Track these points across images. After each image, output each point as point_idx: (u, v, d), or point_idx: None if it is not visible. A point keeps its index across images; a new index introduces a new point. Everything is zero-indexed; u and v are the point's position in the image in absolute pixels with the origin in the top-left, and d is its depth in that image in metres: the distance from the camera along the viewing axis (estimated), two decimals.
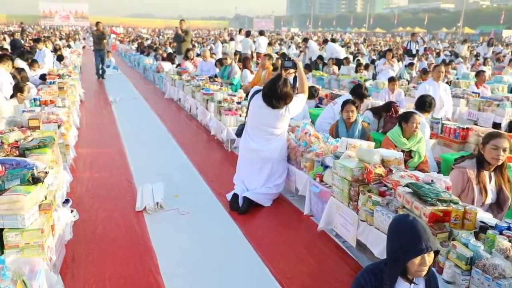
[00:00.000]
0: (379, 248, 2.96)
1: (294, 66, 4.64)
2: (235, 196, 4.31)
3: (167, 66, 12.71)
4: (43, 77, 8.40)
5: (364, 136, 4.95)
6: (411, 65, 12.02)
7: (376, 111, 6.25)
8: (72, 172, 4.88)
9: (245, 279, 3.13)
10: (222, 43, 19.77)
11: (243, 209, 4.19)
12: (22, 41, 18.37)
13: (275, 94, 4.10)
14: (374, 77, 12.31)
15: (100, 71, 13.99)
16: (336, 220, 3.52)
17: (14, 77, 6.78)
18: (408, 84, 10.04)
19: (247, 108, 4.51)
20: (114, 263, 3.23)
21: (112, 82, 13.73)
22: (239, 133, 4.70)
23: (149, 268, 3.18)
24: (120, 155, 6.01)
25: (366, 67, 12.85)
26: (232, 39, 18.97)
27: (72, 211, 3.58)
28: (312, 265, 3.29)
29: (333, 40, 15.62)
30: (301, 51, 17.36)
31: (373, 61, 15.52)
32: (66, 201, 3.79)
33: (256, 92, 4.36)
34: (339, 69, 12.75)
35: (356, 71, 12.23)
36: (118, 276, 3.07)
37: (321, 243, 3.63)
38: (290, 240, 3.67)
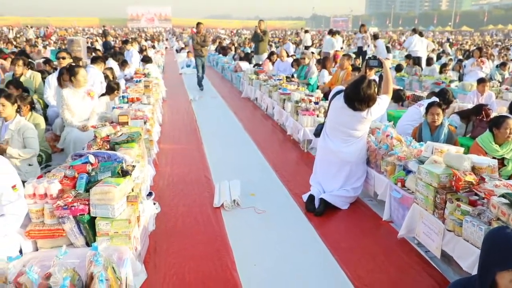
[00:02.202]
0: (468, 261, 2.75)
1: (380, 65, 4.46)
2: (311, 197, 4.26)
3: (244, 65, 12.93)
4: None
5: (450, 140, 4.65)
6: (503, 65, 11.10)
7: (464, 115, 5.85)
8: (155, 167, 5.12)
9: (321, 282, 3.06)
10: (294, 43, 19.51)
11: (319, 211, 4.12)
12: (112, 43, 19.72)
13: (358, 96, 3.95)
14: (460, 78, 11.54)
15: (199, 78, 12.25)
16: (418, 228, 3.34)
17: (106, 76, 7.29)
18: (500, 85, 9.29)
19: (327, 108, 4.42)
20: (193, 256, 3.33)
21: (192, 81, 14.20)
22: (317, 133, 4.62)
23: (226, 264, 3.23)
24: (199, 151, 6.21)
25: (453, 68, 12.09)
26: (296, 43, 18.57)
27: (154, 204, 3.76)
28: (391, 274, 3.14)
29: (421, 34, 14.27)
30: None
31: (459, 61, 14.54)
32: (150, 194, 3.98)
33: (338, 92, 4.25)
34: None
35: (441, 72, 11.56)
36: (196, 269, 3.16)
37: (401, 251, 3.46)
38: (368, 246, 3.54)
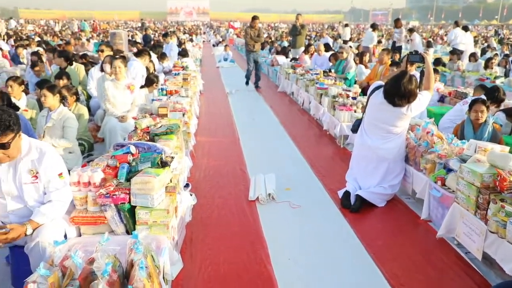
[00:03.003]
0: (511, 264, 2.66)
1: (422, 60, 4.33)
2: (347, 193, 4.21)
3: (281, 59, 12.88)
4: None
5: (494, 139, 4.47)
6: None
7: (510, 112, 5.60)
8: (192, 159, 5.20)
9: (356, 279, 3.04)
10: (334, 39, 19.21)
11: (355, 207, 4.07)
12: (152, 36, 20.11)
13: (399, 92, 3.86)
14: (506, 74, 11.04)
15: (251, 77, 11.41)
16: (459, 228, 3.24)
17: (147, 69, 7.45)
18: None
19: (366, 103, 4.34)
20: (228, 248, 3.38)
21: (229, 74, 14.31)
22: (354, 129, 4.55)
23: (260, 257, 3.26)
24: (235, 144, 6.26)
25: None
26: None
27: (191, 195, 3.83)
28: (429, 274, 3.07)
29: (465, 28, 13.64)
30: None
31: (505, 56, 13.89)
32: (187, 185, 4.07)
33: (377, 88, 4.17)
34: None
35: (486, 67, 11.09)
36: (231, 261, 3.20)
37: (440, 251, 3.37)
38: (405, 245, 3.48)
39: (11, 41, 16.29)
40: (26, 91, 6.10)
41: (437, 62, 11.72)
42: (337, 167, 5.29)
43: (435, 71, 7.85)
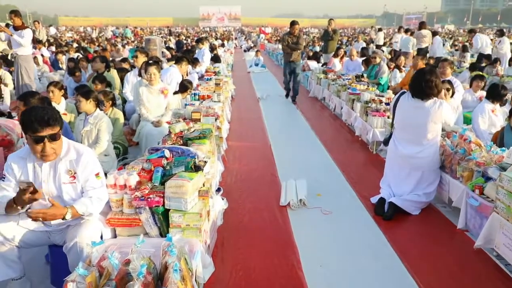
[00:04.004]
0: None
1: None
2: (381, 200, 4.14)
3: (312, 64, 12.83)
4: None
5: None
6: None
7: None
8: (224, 163, 5.24)
9: None
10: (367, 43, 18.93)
11: (387, 215, 4.00)
12: (184, 41, 20.46)
13: (424, 78, 3.92)
14: None
15: (291, 91, 10.03)
16: (498, 239, 3.13)
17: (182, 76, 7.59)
18: None
19: (392, 114, 4.32)
20: (259, 253, 3.38)
21: (260, 79, 14.35)
22: (386, 141, 4.54)
23: (291, 262, 3.24)
24: (266, 149, 6.27)
25: None
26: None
27: (223, 199, 3.86)
28: (466, 286, 2.97)
29: (501, 32, 13.25)
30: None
31: None
32: (218, 189, 4.10)
33: (401, 94, 4.19)
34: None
35: None
36: (262, 266, 3.20)
37: (478, 262, 3.26)
38: (441, 255, 3.38)
39: (52, 47, 16.92)
40: (65, 96, 6.32)
41: (473, 67, 11.39)
42: (370, 173, 5.21)
43: (481, 77, 7.64)
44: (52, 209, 2.48)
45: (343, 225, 3.89)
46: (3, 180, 2.66)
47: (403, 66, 10.14)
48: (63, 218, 2.53)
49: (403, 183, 4.17)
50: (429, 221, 3.99)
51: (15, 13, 8.03)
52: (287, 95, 10.35)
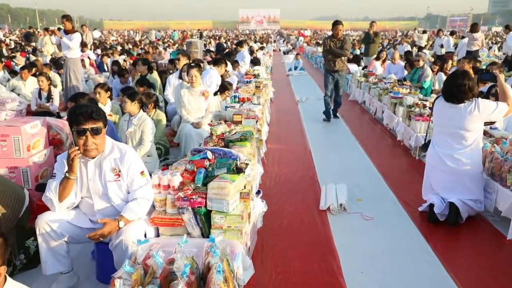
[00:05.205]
0: None
1: (494, 79, 4.15)
2: (432, 206, 3.98)
3: (353, 67, 12.65)
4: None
5: None
6: None
7: None
8: (263, 166, 5.25)
9: None
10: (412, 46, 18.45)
11: (451, 220, 3.84)
12: (224, 44, 20.69)
13: (455, 82, 3.80)
14: None
15: (332, 105, 8.39)
16: None
17: (222, 77, 7.69)
18: None
19: (431, 118, 4.20)
20: (298, 257, 3.36)
21: (299, 82, 14.30)
22: (424, 148, 4.41)
23: (332, 268, 3.20)
24: (305, 152, 6.23)
25: None
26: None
27: (263, 202, 3.86)
28: None
29: None
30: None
31: None
32: (258, 192, 4.10)
33: (438, 97, 4.09)
34: None
35: None
36: (302, 270, 3.18)
37: None
38: (490, 266, 3.24)
39: (98, 50, 17.55)
40: (110, 97, 6.53)
41: None
42: (412, 179, 5.07)
43: None
44: (106, 227, 2.58)
45: (385, 232, 3.80)
46: (54, 178, 2.78)
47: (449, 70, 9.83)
48: (119, 229, 2.63)
49: (447, 188, 3.98)
50: (476, 231, 3.83)
51: (66, 17, 8.41)
52: (327, 117, 8.29)
